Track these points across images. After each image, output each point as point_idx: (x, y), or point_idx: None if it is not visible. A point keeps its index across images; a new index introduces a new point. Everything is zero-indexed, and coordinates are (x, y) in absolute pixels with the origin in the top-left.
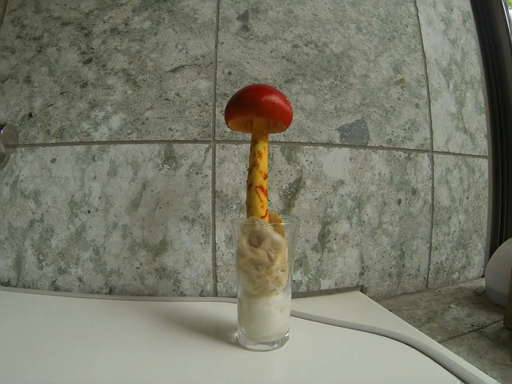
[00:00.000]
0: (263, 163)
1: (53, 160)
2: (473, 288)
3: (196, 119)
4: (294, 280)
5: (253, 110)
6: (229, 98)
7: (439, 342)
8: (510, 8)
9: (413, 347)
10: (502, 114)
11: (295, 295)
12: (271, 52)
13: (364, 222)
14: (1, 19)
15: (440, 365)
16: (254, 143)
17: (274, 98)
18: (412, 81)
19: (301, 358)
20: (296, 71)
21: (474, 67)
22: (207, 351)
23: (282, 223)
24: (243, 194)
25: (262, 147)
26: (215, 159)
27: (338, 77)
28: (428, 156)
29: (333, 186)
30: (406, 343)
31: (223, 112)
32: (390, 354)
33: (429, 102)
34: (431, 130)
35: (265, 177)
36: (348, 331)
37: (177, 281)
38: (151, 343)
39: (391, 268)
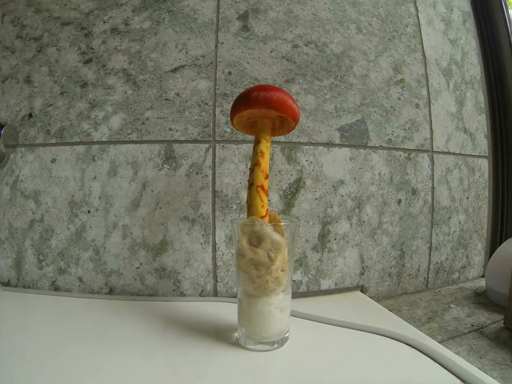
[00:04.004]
0: (265, 163)
1: (53, 160)
2: (473, 288)
3: (196, 119)
4: (294, 280)
5: (262, 103)
6: (229, 98)
7: (439, 342)
8: (510, 8)
9: (413, 347)
10: (502, 114)
11: (295, 295)
12: (271, 51)
13: (364, 222)
14: (1, 19)
15: (440, 365)
16: (257, 142)
17: (283, 94)
18: (412, 81)
19: (301, 358)
20: (296, 71)
21: (474, 67)
22: (207, 351)
23: (282, 223)
24: (243, 194)
25: (265, 147)
26: (215, 159)
27: (338, 77)
28: (427, 156)
29: (333, 186)
30: (406, 343)
31: (224, 112)
32: (390, 354)
33: (429, 102)
34: (431, 130)
35: (266, 176)
36: (348, 331)
37: (177, 281)
38: (151, 343)
39: (391, 268)
